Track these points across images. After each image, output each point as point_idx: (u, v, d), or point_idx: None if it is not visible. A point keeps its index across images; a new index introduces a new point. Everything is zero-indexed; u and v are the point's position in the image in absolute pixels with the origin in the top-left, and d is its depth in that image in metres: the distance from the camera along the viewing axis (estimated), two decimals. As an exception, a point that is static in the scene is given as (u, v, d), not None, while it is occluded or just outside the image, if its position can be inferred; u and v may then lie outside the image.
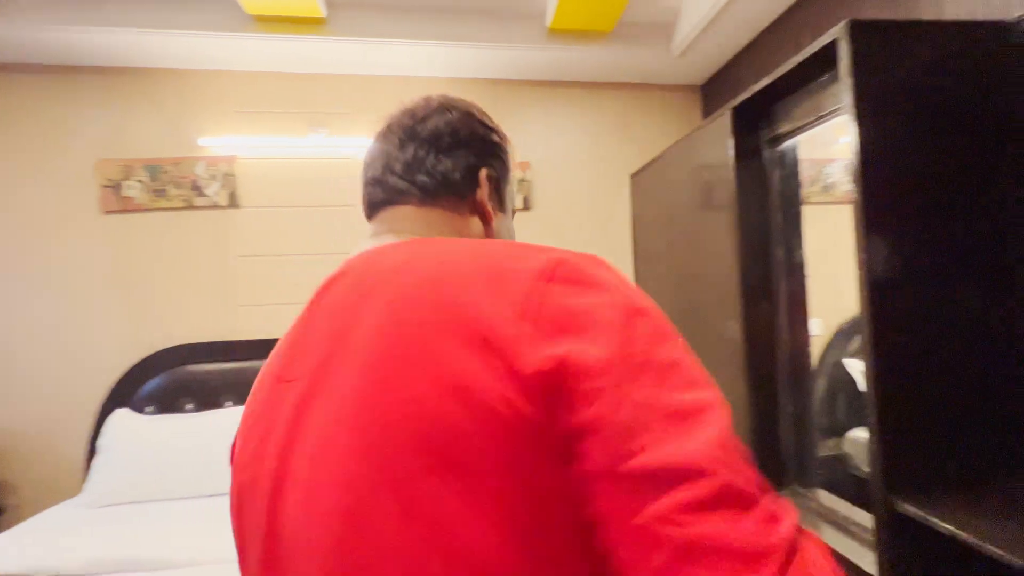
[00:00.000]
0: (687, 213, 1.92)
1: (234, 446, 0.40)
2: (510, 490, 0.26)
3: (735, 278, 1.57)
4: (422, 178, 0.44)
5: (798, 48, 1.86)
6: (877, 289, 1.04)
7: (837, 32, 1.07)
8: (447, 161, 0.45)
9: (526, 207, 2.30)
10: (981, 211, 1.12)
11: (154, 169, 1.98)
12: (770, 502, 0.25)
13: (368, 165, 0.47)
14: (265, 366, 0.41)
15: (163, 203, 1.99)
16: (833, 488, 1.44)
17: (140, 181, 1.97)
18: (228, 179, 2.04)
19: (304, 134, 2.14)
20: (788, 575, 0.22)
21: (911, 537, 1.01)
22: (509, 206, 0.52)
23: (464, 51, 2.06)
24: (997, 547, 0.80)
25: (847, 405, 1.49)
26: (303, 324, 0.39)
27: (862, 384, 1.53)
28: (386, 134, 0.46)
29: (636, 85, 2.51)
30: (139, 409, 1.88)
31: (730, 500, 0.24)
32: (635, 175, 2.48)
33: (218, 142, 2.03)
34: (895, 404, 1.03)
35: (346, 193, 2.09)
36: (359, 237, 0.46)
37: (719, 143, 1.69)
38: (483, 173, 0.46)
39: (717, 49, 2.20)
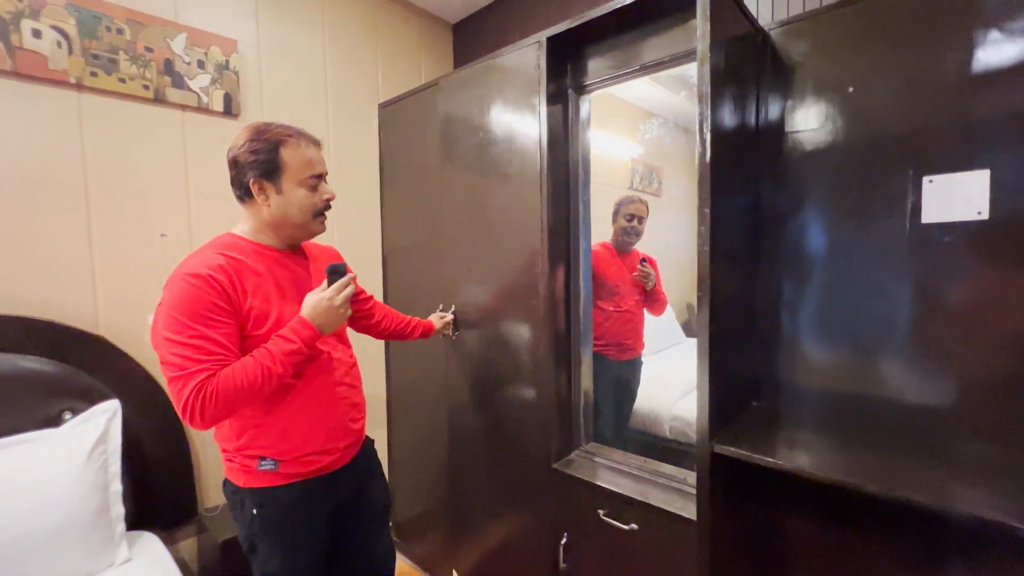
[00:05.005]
0: (467, 157, 1.64)
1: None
2: None
3: (541, 239, 1.42)
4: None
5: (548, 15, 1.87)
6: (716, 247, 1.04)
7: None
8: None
9: (229, 112, 1.49)
10: (750, 194, 1.29)
11: None
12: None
13: None
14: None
15: None
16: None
17: None
18: None
19: None
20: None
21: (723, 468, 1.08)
22: (287, 186, 1.02)
23: None
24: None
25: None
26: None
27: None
28: None
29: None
30: None
31: None
32: (385, 106, 2.03)
33: None
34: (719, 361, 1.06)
35: None
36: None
37: (517, 81, 1.48)
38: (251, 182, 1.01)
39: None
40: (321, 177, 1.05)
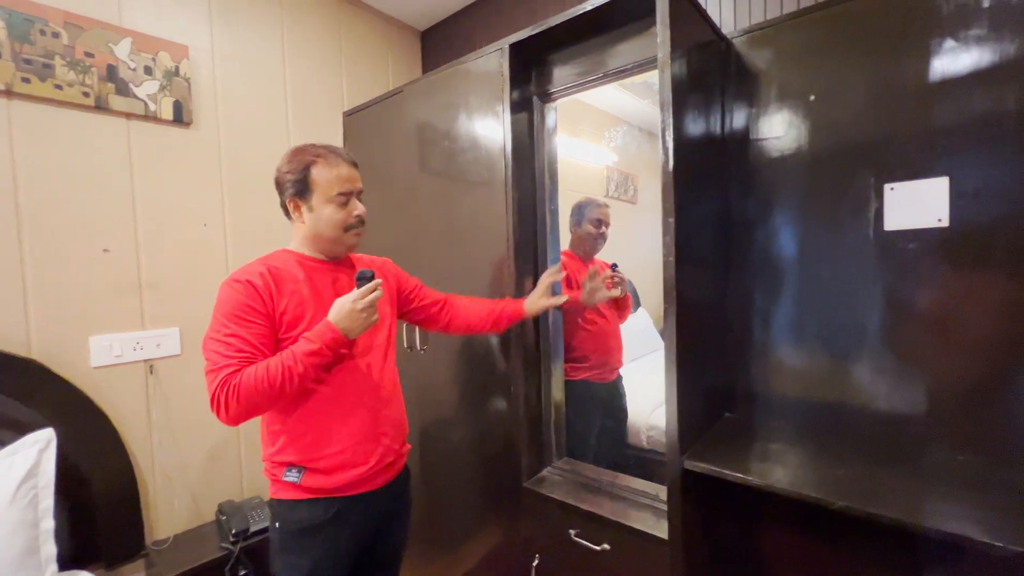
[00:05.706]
0: (434, 166, 1.60)
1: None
2: None
3: (507, 249, 1.38)
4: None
5: (518, 22, 1.85)
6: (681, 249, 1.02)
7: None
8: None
9: (180, 120, 1.43)
10: (718, 202, 1.27)
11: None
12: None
13: None
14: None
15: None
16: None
17: None
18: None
19: None
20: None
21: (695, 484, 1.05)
22: (317, 203, 1.04)
23: None
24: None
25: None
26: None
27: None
28: None
29: (356, 2, 1.98)
30: None
31: None
32: (350, 114, 1.98)
33: None
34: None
35: None
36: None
37: (480, 89, 1.45)
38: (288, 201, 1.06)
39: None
40: (351, 194, 1.06)
